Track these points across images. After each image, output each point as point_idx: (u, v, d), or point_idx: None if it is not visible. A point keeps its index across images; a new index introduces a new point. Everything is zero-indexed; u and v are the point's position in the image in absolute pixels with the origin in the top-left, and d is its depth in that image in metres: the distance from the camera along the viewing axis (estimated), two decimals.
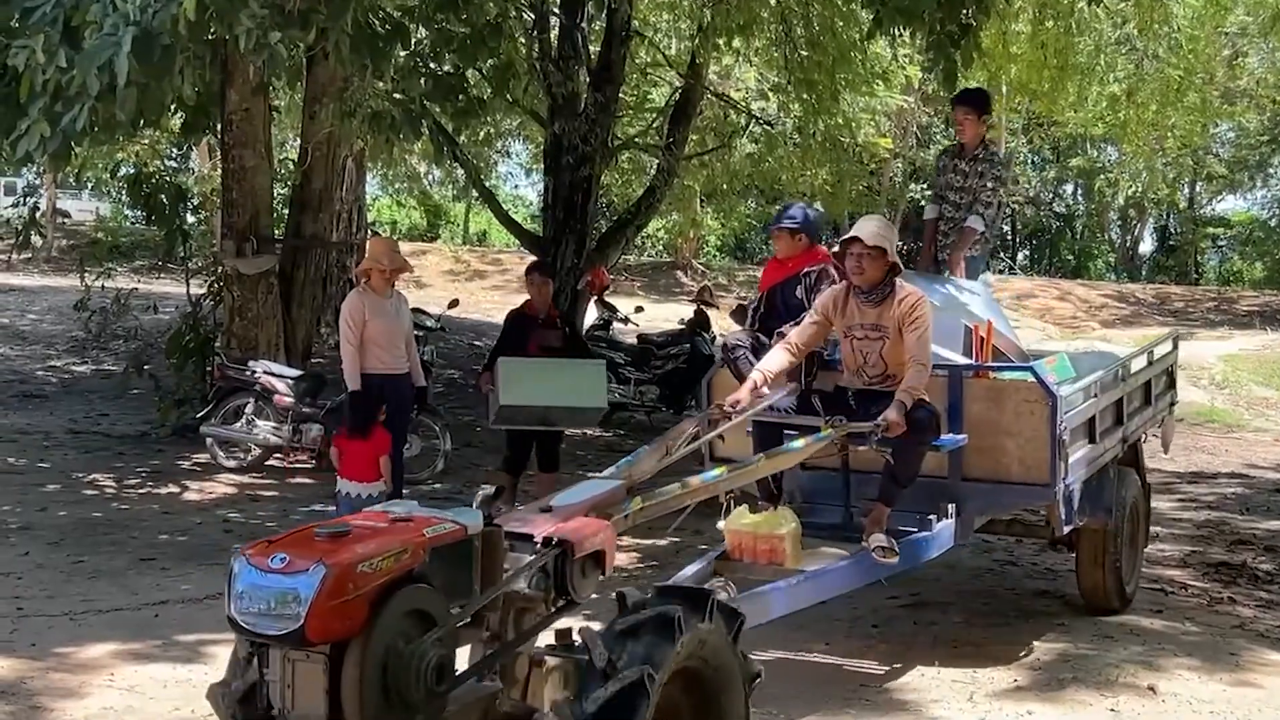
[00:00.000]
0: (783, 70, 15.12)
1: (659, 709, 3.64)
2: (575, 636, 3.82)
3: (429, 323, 13.31)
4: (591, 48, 14.65)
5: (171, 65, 6.44)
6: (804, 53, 14.34)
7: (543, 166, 15.61)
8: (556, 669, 3.86)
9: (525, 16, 13.47)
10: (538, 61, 13.41)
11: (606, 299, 14.98)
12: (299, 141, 15.28)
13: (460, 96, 10.31)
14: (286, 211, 14.61)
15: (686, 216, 22.60)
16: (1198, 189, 45.07)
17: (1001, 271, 41.55)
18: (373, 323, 8.41)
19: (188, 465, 11.44)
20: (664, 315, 21.33)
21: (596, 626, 3.79)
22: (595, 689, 3.53)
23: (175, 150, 25.52)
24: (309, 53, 10.43)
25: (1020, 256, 48.70)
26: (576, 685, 3.69)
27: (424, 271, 31.91)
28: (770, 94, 17.36)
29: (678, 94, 16.18)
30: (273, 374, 11.47)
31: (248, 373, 11.47)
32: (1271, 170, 43.03)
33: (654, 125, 16.78)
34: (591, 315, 15.03)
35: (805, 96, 14.92)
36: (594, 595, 4.13)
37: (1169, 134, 22.69)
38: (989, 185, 7.66)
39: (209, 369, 12.77)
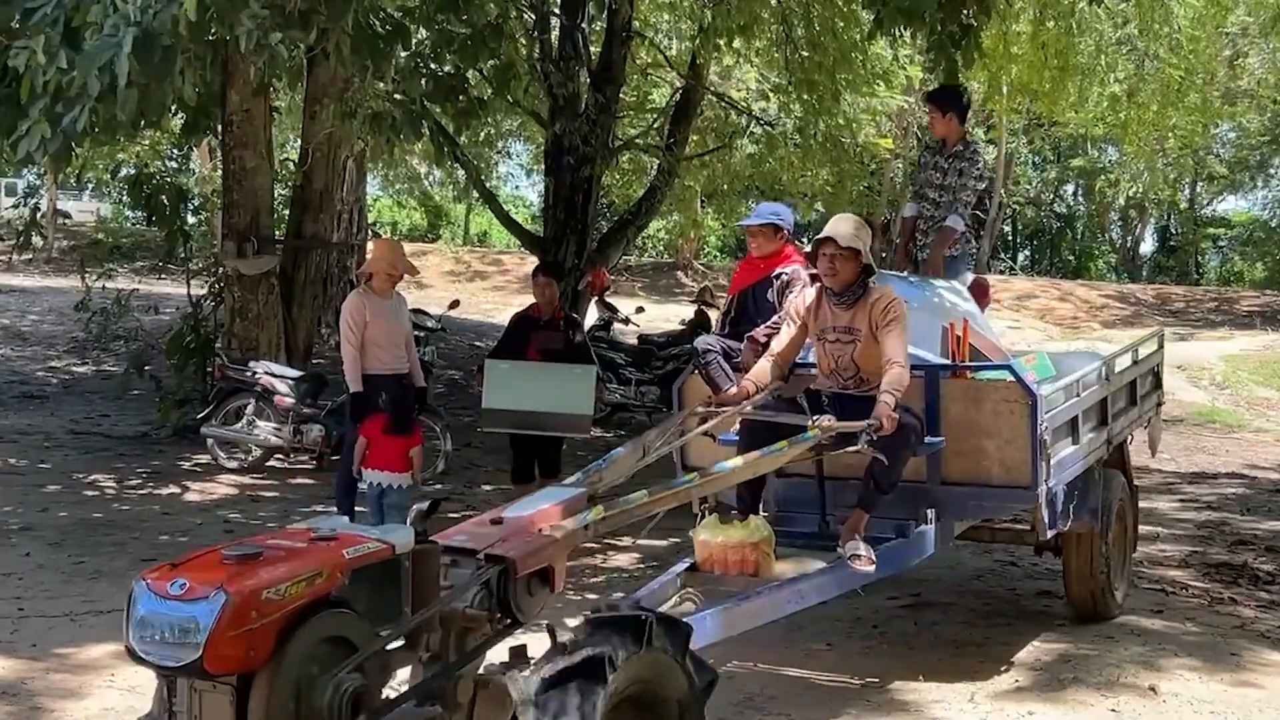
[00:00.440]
0: (783, 71, 15.12)
1: None
2: (530, 654, 3.67)
3: (429, 323, 13.32)
4: (592, 48, 14.65)
5: (172, 66, 6.44)
6: (805, 53, 14.33)
7: (543, 167, 15.61)
8: (504, 690, 3.66)
9: (526, 17, 13.47)
10: (538, 62, 13.41)
11: (607, 299, 14.98)
12: (300, 142, 15.30)
13: (461, 97, 10.31)
14: (287, 212, 14.63)
15: (687, 217, 22.56)
16: (1198, 189, 45.08)
17: (1003, 272, 41.56)
18: (373, 323, 8.40)
19: (188, 466, 11.45)
20: (665, 316, 21.37)
21: (524, 670, 3.63)
22: None
23: (176, 151, 25.56)
24: (309, 53, 10.43)
25: (1021, 257, 48.74)
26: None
27: (425, 272, 31.88)
28: (771, 94, 17.34)
29: (678, 94, 16.18)
30: (273, 374, 11.48)
31: (248, 373, 11.47)
32: (1272, 170, 43.05)
33: (655, 126, 16.78)
34: (592, 316, 15.03)
35: (806, 97, 14.91)
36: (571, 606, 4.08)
37: (1170, 134, 22.72)
38: (968, 184, 7.45)
39: (210, 370, 12.78)
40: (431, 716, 3.64)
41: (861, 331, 5.63)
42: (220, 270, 13.38)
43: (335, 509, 8.63)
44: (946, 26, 8.38)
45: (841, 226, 5.68)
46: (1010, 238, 48.90)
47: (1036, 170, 47.28)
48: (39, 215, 15.85)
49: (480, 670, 3.85)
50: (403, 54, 9.58)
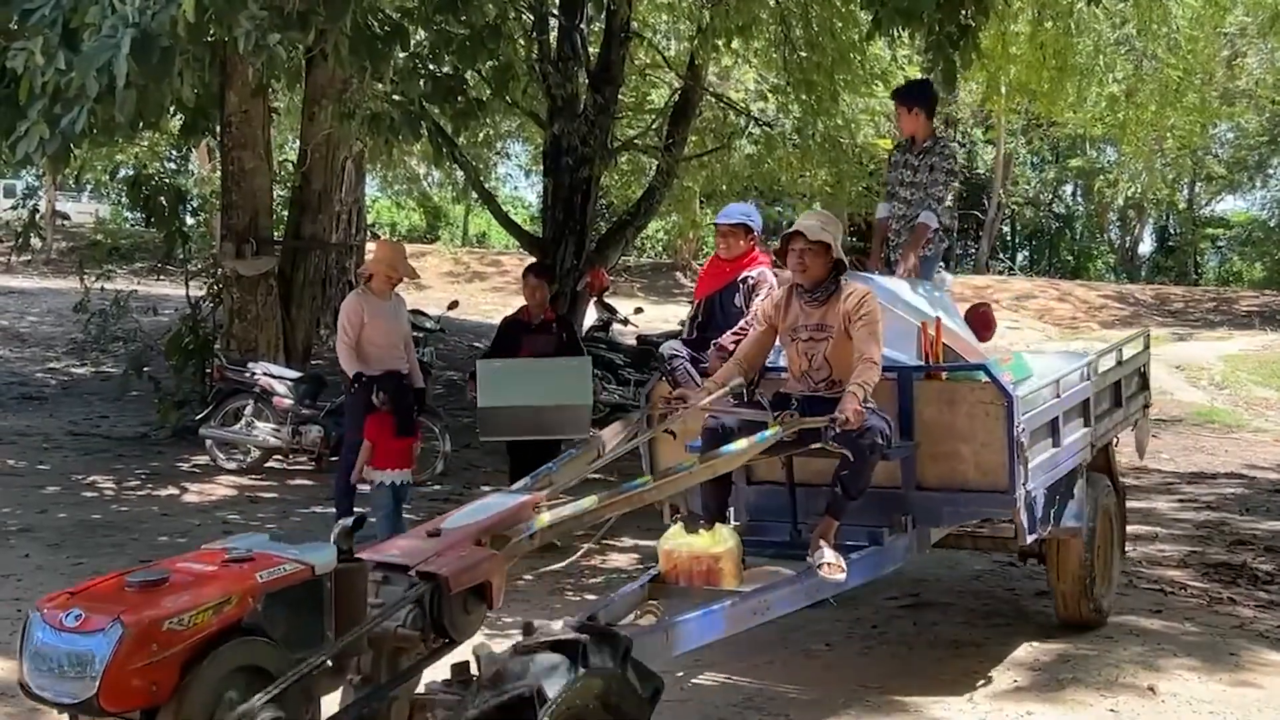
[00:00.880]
0: (782, 71, 15.13)
1: None
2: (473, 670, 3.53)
3: (428, 324, 13.32)
4: (591, 49, 14.65)
5: (170, 67, 6.44)
6: (803, 54, 14.35)
7: (542, 168, 15.60)
8: (443, 711, 3.55)
9: (525, 18, 13.47)
10: (537, 63, 13.42)
11: (606, 300, 14.98)
12: (298, 143, 15.28)
13: (459, 98, 10.30)
14: (286, 213, 14.62)
15: (686, 218, 22.58)
16: (1197, 189, 45.09)
17: (1001, 272, 41.59)
18: (371, 324, 8.41)
19: (187, 467, 11.45)
20: (663, 316, 21.37)
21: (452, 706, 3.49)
22: None
23: (174, 152, 25.52)
24: (308, 54, 10.43)
25: (1020, 257, 48.76)
26: None
27: (423, 273, 31.80)
28: (769, 95, 17.36)
29: (677, 95, 16.19)
30: (272, 375, 11.48)
31: (247, 374, 11.48)
32: (1271, 171, 43.06)
33: (653, 126, 16.78)
34: (591, 316, 15.03)
35: (804, 97, 14.93)
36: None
37: (1168, 134, 22.73)
38: (940, 180, 7.28)
39: (208, 371, 12.79)
40: None
41: (834, 329, 5.48)
42: (219, 271, 13.39)
43: (335, 510, 8.65)
44: (945, 27, 8.37)
45: (810, 220, 5.54)
46: (1009, 238, 48.93)
47: (1035, 170, 47.30)
48: (38, 216, 15.86)
49: (419, 690, 3.73)
50: (401, 55, 9.58)
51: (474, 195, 20.40)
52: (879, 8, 8.47)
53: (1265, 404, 19.54)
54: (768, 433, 5.06)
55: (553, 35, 14.12)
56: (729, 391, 5.48)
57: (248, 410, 11.33)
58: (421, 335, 12.88)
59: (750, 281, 6.54)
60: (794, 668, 6.19)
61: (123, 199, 27.99)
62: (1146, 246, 49.33)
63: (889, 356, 5.72)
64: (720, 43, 13.57)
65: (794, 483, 5.65)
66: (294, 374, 11.71)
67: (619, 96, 15.03)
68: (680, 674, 5.80)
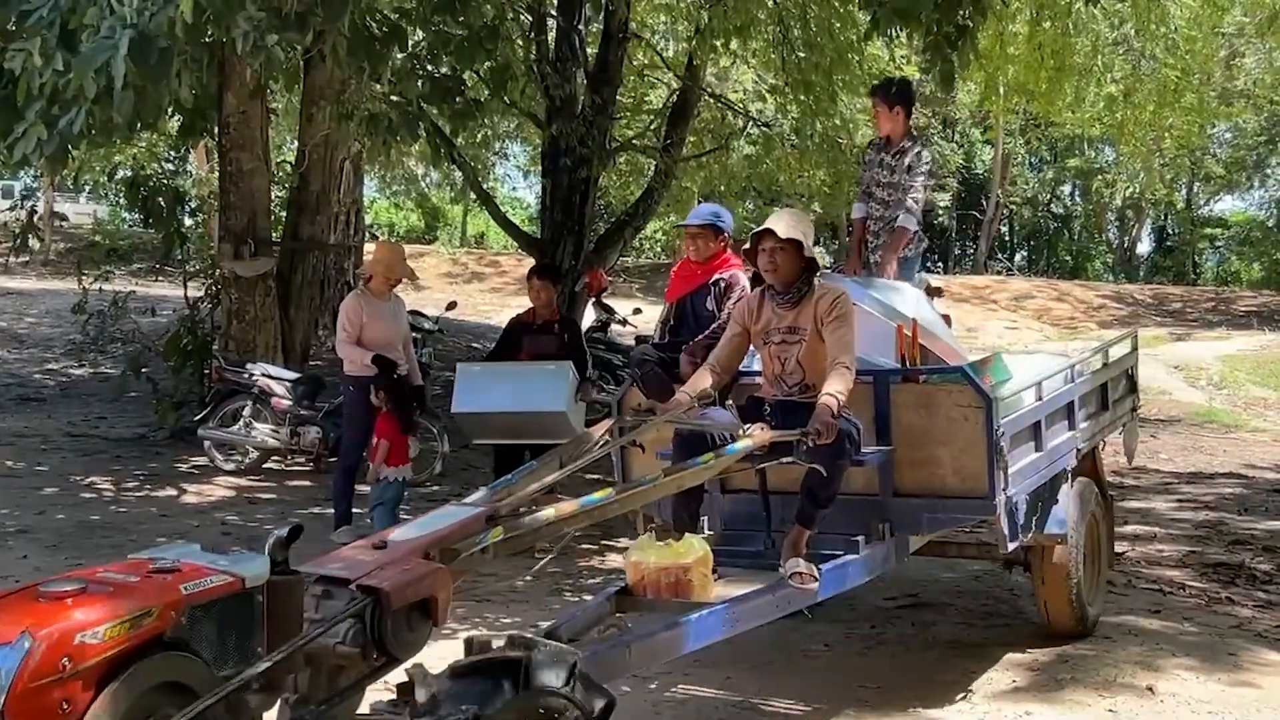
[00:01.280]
0: (780, 72, 15.14)
1: None
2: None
3: (426, 325, 13.32)
4: (589, 49, 14.65)
5: (169, 68, 6.44)
6: (801, 54, 14.36)
7: (540, 168, 15.61)
8: None
9: (523, 18, 13.48)
10: (535, 63, 13.42)
11: (604, 301, 14.97)
12: (296, 144, 15.29)
13: (458, 98, 10.31)
14: (284, 214, 14.62)
15: (684, 218, 22.60)
16: (1195, 189, 45.18)
17: (999, 272, 41.62)
18: (370, 325, 8.44)
19: (186, 468, 11.44)
20: (662, 317, 21.32)
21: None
22: None
23: (173, 153, 25.52)
24: (306, 55, 10.41)
25: (1018, 257, 48.83)
26: None
27: (422, 273, 31.80)
28: (768, 95, 17.39)
29: (675, 96, 16.19)
30: (270, 376, 11.48)
31: (245, 375, 11.47)
32: (1269, 170, 43.13)
33: (652, 127, 16.79)
34: (589, 317, 15.03)
35: (803, 98, 14.94)
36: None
37: (1166, 134, 22.73)
38: (918, 181, 7.09)
39: (207, 371, 12.78)
40: None
41: (806, 331, 5.31)
42: (217, 272, 13.39)
43: (333, 510, 8.65)
44: (943, 27, 8.36)
45: (782, 219, 5.38)
46: (1007, 238, 49.00)
47: (1033, 171, 47.38)
48: (36, 217, 15.84)
49: (362, 710, 3.60)
50: (399, 55, 9.59)
51: (472, 196, 20.45)
52: (877, 8, 8.47)
53: (1263, 404, 19.56)
54: (736, 446, 4.87)
55: (551, 36, 14.13)
56: (695, 403, 5.26)
57: (246, 411, 11.33)
58: (420, 336, 12.86)
59: (722, 284, 6.39)
60: (793, 668, 6.19)
61: (121, 200, 27.98)
62: (1145, 246, 49.51)
63: (866, 359, 5.63)
64: (718, 43, 13.59)
65: (768, 491, 5.49)
66: (292, 375, 11.71)
67: (617, 97, 15.04)
68: (679, 675, 5.81)
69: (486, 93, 11.67)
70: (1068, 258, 47.02)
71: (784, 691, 5.83)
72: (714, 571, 5.05)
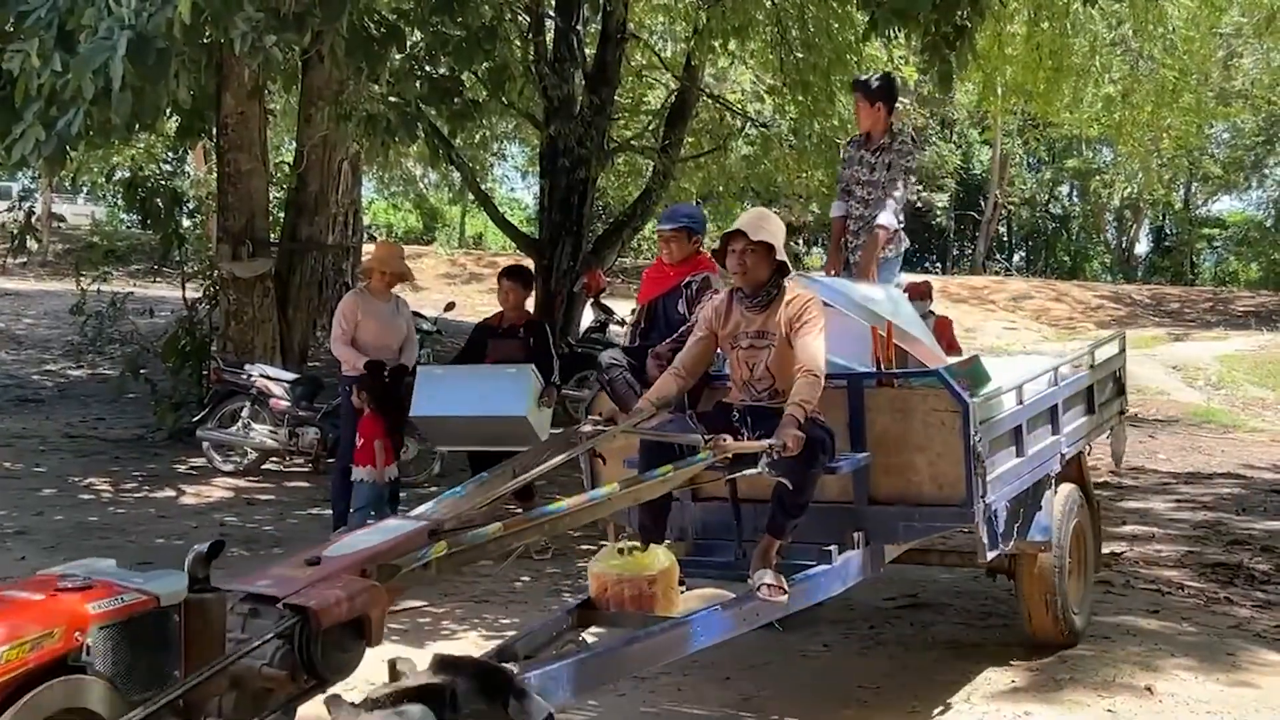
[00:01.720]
0: (778, 72, 15.15)
1: None
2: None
3: (425, 325, 13.31)
4: (587, 50, 14.67)
5: (166, 69, 6.44)
6: (799, 55, 14.36)
7: (539, 169, 15.63)
8: None
9: (521, 19, 13.49)
10: (533, 64, 13.43)
11: (603, 301, 14.99)
12: (295, 145, 15.29)
13: (456, 99, 10.31)
14: (282, 215, 14.62)
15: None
16: (1193, 190, 45.21)
17: (998, 273, 41.65)
18: (364, 324, 8.46)
19: (184, 469, 11.44)
20: None
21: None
22: None
23: (171, 154, 25.49)
24: (304, 56, 10.43)
25: (1016, 257, 48.86)
26: None
27: (420, 274, 31.81)
28: (766, 96, 17.40)
29: (673, 96, 16.21)
30: (269, 377, 11.47)
31: (244, 376, 11.47)
32: (1267, 171, 43.16)
33: (650, 127, 16.81)
34: (588, 318, 15.04)
35: (801, 98, 14.95)
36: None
37: (1164, 135, 22.75)
38: (898, 179, 6.86)
39: (205, 373, 12.79)
40: None
41: (775, 335, 5.12)
42: (215, 273, 13.39)
43: (331, 510, 8.66)
44: (941, 27, 8.37)
45: (751, 219, 5.20)
46: (1005, 238, 49.02)
47: (1031, 171, 47.42)
48: (34, 219, 15.80)
49: None
50: (397, 56, 9.59)
51: (470, 196, 20.44)
52: (875, 8, 8.49)
53: (1261, 404, 19.57)
54: (697, 458, 4.65)
55: (549, 36, 14.15)
56: (656, 411, 5.07)
57: (244, 412, 11.32)
58: (418, 337, 12.87)
59: (694, 286, 6.16)
60: (791, 669, 6.19)
61: (119, 201, 27.91)
62: (1143, 247, 49.52)
63: (841, 363, 5.52)
64: (717, 44, 13.60)
65: (738, 499, 5.28)
66: (291, 376, 11.71)
67: (615, 98, 15.06)
68: (678, 675, 5.80)
69: (485, 93, 11.68)
70: (1066, 258, 47.04)
71: (783, 692, 5.83)
72: (682, 583, 4.86)
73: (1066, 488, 6.50)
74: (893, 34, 9.48)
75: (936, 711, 5.57)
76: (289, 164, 16.07)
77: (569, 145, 13.73)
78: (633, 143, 16.50)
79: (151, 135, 17.63)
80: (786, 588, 4.77)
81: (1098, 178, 42.30)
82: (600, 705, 5.29)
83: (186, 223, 16.34)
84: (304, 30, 7.50)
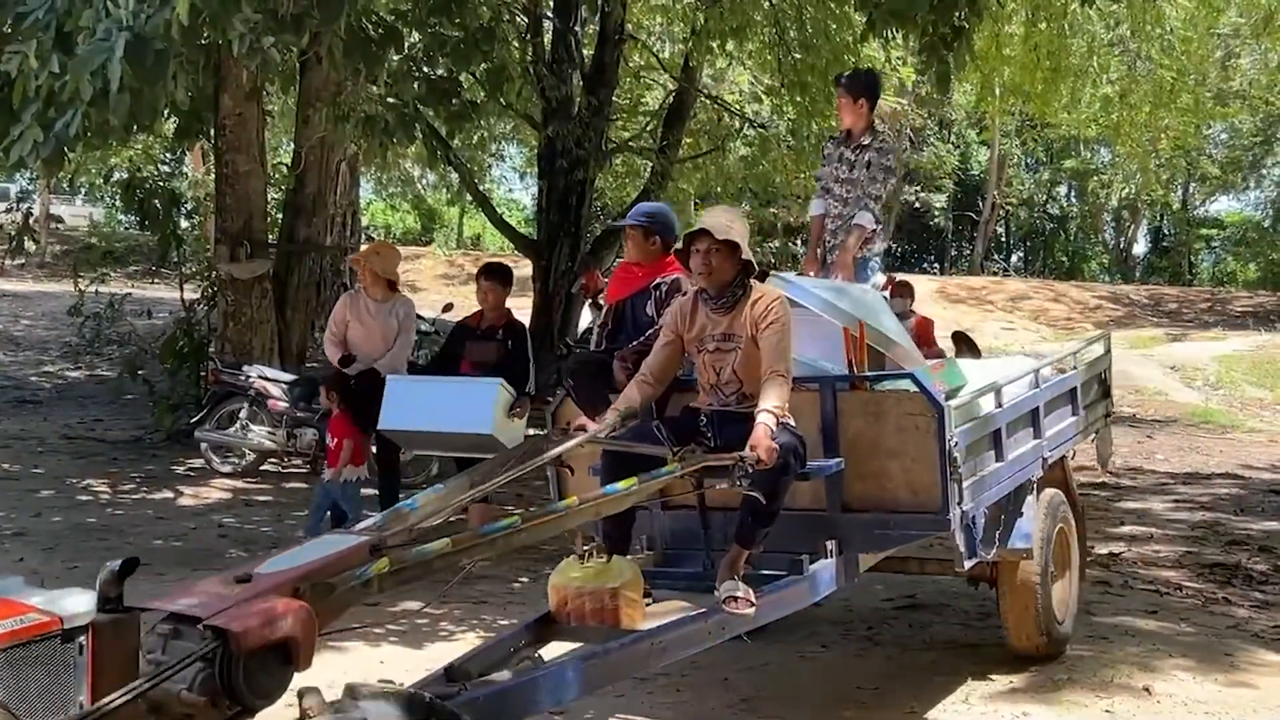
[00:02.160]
0: (776, 73, 15.17)
1: None
2: None
3: (423, 326, 13.30)
4: (585, 51, 14.67)
5: (165, 70, 6.43)
6: (797, 55, 14.38)
7: (537, 170, 15.64)
8: None
9: (519, 20, 13.50)
10: (531, 65, 13.43)
11: (600, 302, 14.97)
12: (293, 146, 15.29)
13: (454, 100, 10.32)
14: (280, 216, 14.62)
15: (681, 220, 22.62)
16: (1191, 190, 45.24)
17: (996, 273, 41.66)
18: (352, 326, 8.54)
19: (182, 470, 11.43)
20: None
21: None
22: None
23: (169, 155, 25.49)
24: (302, 57, 10.44)
25: (1014, 258, 48.87)
26: None
27: (418, 275, 31.91)
28: (764, 97, 17.41)
29: (671, 97, 16.22)
30: (267, 378, 11.47)
31: (242, 377, 11.46)
32: (1265, 171, 43.20)
33: (648, 128, 16.82)
34: (585, 318, 15.03)
35: (798, 99, 14.96)
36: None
37: (1162, 135, 22.79)
38: (878, 177, 6.69)
39: (203, 374, 12.78)
40: None
41: (742, 338, 4.91)
42: (213, 274, 13.38)
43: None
44: (938, 28, 8.38)
45: (716, 217, 5.01)
46: (1003, 239, 49.04)
47: (1029, 172, 47.44)
48: (32, 220, 15.83)
49: None
50: (395, 57, 9.59)
51: (468, 197, 20.43)
52: (873, 9, 8.50)
53: (1259, 404, 19.59)
54: (663, 471, 4.48)
55: (547, 38, 14.15)
56: (620, 424, 4.83)
57: (243, 413, 11.32)
58: (417, 339, 12.87)
59: (664, 288, 5.85)
60: (790, 669, 6.19)
61: (117, 202, 27.92)
62: (1141, 247, 49.51)
63: (811, 364, 5.38)
64: (715, 45, 13.62)
65: (706, 507, 5.09)
66: (289, 377, 11.70)
67: (613, 99, 15.06)
68: (677, 676, 5.80)
69: (483, 94, 11.68)
70: (1064, 258, 47.06)
71: (781, 692, 5.83)
72: (648, 595, 4.69)
73: (1049, 493, 6.31)
74: (890, 35, 9.49)
75: (935, 712, 5.57)
76: (287, 165, 16.05)
77: (567, 146, 13.74)
78: (631, 143, 16.51)
79: (149, 136, 17.62)
80: (754, 600, 4.60)
81: (1096, 178, 42.33)
82: (599, 705, 5.29)
83: (184, 224, 16.38)
84: (302, 31, 7.50)
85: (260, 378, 11.44)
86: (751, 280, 5.00)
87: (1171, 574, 8.45)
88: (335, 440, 8.29)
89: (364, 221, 29.24)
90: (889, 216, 39.84)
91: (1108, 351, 7.55)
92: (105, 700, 2.86)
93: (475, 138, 16.85)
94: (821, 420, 5.21)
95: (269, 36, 6.97)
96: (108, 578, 3.16)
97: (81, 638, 3.02)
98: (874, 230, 6.71)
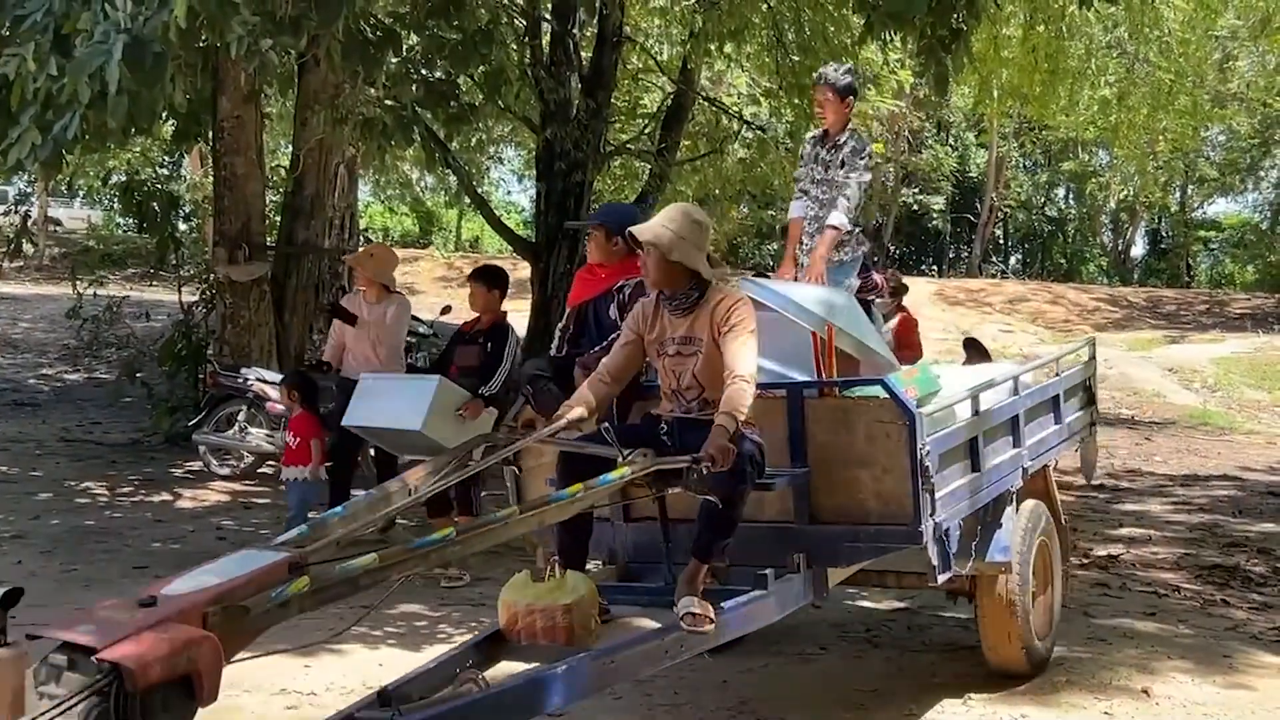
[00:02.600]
0: (774, 75, 15.15)
1: None
2: None
3: (421, 329, 13.32)
4: (583, 53, 14.66)
5: (163, 73, 6.43)
6: (795, 58, 14.36)
7: (535, 172, 15.62)
8: None
9: (517, 23, 13.48)
10: (530, 67, 13.42)
11: None
12: (291, 148, 15.28)
13: (452, 103, 10.32)
14: (279, 219, 14.61)
15: None
16: (1189, 192, 45.24)
17: (994, 275, 41.69)
18: (344, 327, 8.62)
19: (180, 473, 11.43)
20: None
21: None
22: None
23: (167, 158, 25.49)
24: (300, 59, 10.43)
25: (1012, 260, 48.91)
26: None
27: (416, 278, 31.94)
28: (762, 99, 17.38)
29: (670, 99, 16.21)
30: (265, 381, 11.45)
31: (240, 380, 11.45)
32: (1262, 173, 43.19)
33: (646, 131, 16.80)
34: None
35: (797, 101, 14.93)
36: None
37: (1160, 137, 22.83)
38: (853, 177, 6.46)
39: (201, 376, 12.77)
40: None
41: (703, 341, 4.66)
42: (212, 277, 13.37)
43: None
44: (936, 31, 8.38)
45: (661, 217, 4.74)
46: (1002, 241, 49.06)
47: (1027, 174, 47.49)
48: (30, 223, 15.82)
49: None
50: (394, 60, 9.59)
51: (467, 200, 20.42)
52: (871, 12, 8.50)
53: (1257, 406, 19.60)
54: (611, 476, 4.26)
55: (545, 40, 14.13)
56: (567, 425, 4.60)
57: (241, 416, 11.31)
58: (414, 340, 12.90)
59: (627, 290, 5.59)
60: (788, 671, 6.19)
61: (115, 205, 27.94)
62: (1139, 249, 49.53)
63: (777, 370, 5.22)
64: (713, 47, 13.60)
65: (667, 518, 4.88)
66: None
67: (612, 101, 15.04)
68: (675, 678, 5.80)
69: (481, 97, 11.67)
70: (1062, 260, 47.09)
71: (779, 694, 5.83)
72: (605, 611, 4.50)
73: (1030, 504, 6.08)
74: (889, 37, 9.49)
75: (933, 714, 5.57)
76: (285, 168, 16.05)
77: (565, 148, 13.72)
78: (629, 146, 16.49)
79: (147, 139, 17.63)
80: (713, 617, 4.36)
81: (1094, 180, 42.35)
82: (596, 707, 5.29)
83: (183, 226, 16.38)
84: (300, 34, 7.49)
85: (258, 380, 11.43)
86: (714, 282, 4.75)
87: (1170, 576, 8.46)
88: (297, 439, 8.30)
89: (362, 224, 29.24)
90: (887, 218, 40.00)
91: (1093, 358, 7.36)
92: None
93: (473, 140, 16.88)
94: (788, 428, 5.02)
95: (267, 39, 6.96)
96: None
97: None
98: (854, 232, 6.53)
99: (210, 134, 13.09)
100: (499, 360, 8.13)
